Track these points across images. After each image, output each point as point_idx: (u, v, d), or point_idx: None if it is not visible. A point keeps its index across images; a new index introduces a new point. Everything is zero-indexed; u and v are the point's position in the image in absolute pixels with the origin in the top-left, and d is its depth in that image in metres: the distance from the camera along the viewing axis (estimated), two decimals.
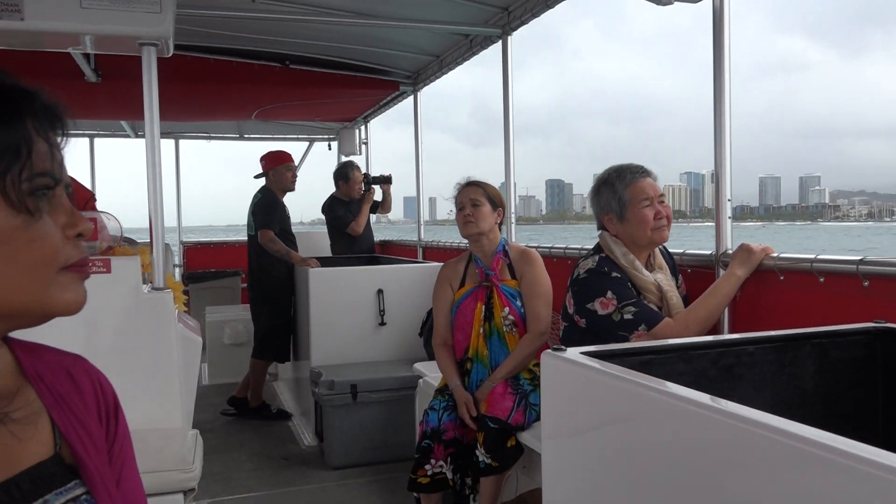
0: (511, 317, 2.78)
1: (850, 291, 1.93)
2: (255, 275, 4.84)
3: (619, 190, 2.28)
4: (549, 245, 3.42)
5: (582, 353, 1.31)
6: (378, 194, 5.56)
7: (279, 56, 4.87)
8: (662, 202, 2.29)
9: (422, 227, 5.54)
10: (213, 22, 4.06)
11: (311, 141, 7.62)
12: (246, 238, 4.97)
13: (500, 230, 2.93)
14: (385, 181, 5.52)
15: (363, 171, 5.61)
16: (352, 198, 5.44)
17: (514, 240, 3.86)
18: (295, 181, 4.92)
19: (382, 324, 4.31)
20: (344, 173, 5.48)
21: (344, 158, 7.02)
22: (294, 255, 4.69)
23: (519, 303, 2.80)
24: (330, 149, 7.53)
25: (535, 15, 3.59)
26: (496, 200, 2.89)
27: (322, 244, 6.19)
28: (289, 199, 4.98)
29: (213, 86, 4.88)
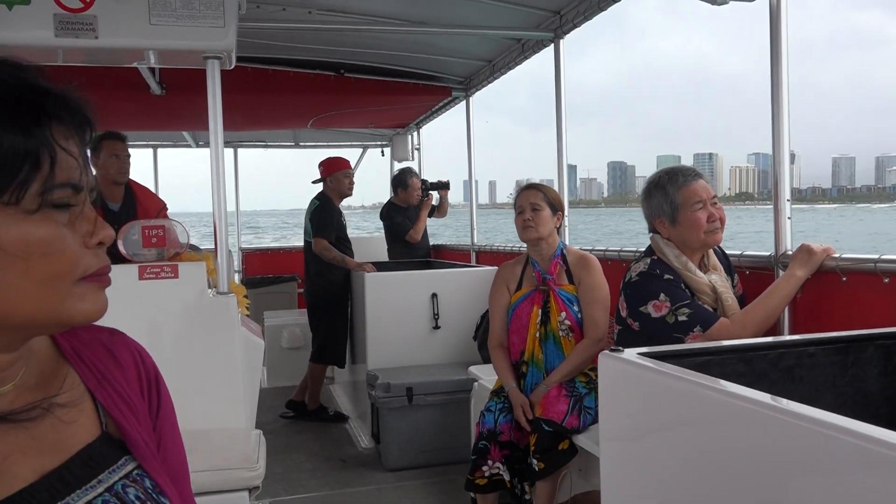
0: (568, 322, 2.78)
1: None
2: (312, 280, 4.94)
3: (671, 193, 2.27)
4: (604, 248, 3.41)
5: (639, 353, 1.32)
6: (435, 198, 5.65)
7: (334, 65, 4.98)
8: (715, 204, 2.27)
9: (475, 232, 5.56)
10: (271, 34, 4.18)
11: (365, 147, 7.75)
12: (302, 244, 5.09)
13: (558, 234, 2.94)
14: (443, 187, 5.60)
15: (421, 177, 5.69)
16: (410, 204, 5.53)
17: (568, 238, 3.86)
18: (352, 188, 5.01)
19: (437, 327, 4.36)
20: (402, 180, 5.56)
21: (397, 164, 7.13)
22: (349, 261, 4.77)
23: (576, 308, 2.80)
24: (383, 155, 7.65)
25: (588, 18, 3.59)
26: (556, 204, 2.89)
27: (378, 249, 6.29)
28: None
29: (270, 96, 5.02)
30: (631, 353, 1.31)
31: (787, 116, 2.29)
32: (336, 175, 4.92)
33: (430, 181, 5.57)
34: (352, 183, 4.99)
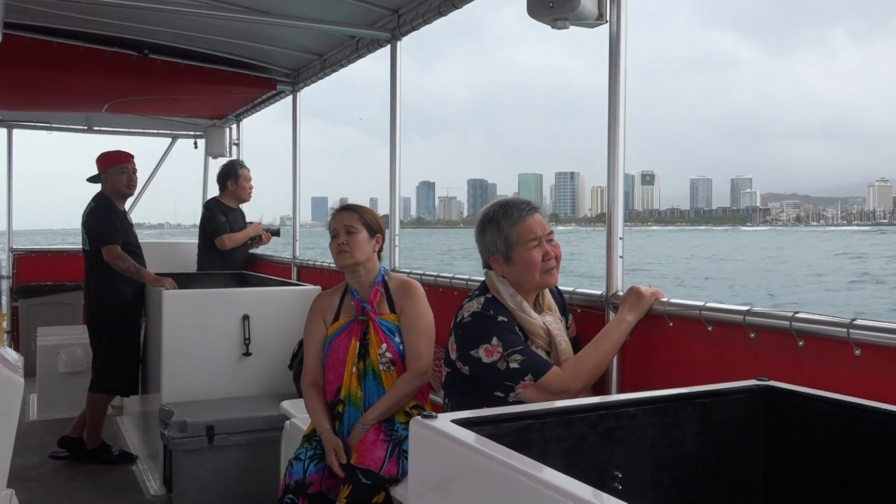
0: (389, 354, 2.77)
1: (736, 342, 2.05)
2: (93, 296, 4.61)
3: (505, 229, 2.31)
4: (435, 273, 3.45)
5: (454, 420, 1.32)
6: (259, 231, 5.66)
7: (136, 43, 4.69)
8: (551, 240, 2.35)
9: (297, 244, 5.44)
10: (57, 2, 3.84)
11: (175, 137, 7.41)
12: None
13: (379, 258, 2.92)
14: (274, 233, 5.77)
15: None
16: (242, 200, 5.51)
17: (397, 262, 3.86)
18: (132, 185, 4.73)
19: (247, 354, 4.20)
20: (233, 172, 5.47)
21: (212, 160, 6.88)
22: (146, 274, 4.49)
23: (398, 339, 2.80)
24: (196, 147, 7.35)
25: (427, 21, 3.64)
26: (374, 226, 2.88)
27: (184, 257, 6.01)
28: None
29: (54, 72, 4.64)
30: (444, 421, 1.31)
31: (622, 156, 2.43)
32: (110, 171, 4.62)
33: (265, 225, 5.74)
34: (131, 180, 4.69)
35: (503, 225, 2.32)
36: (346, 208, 2.90)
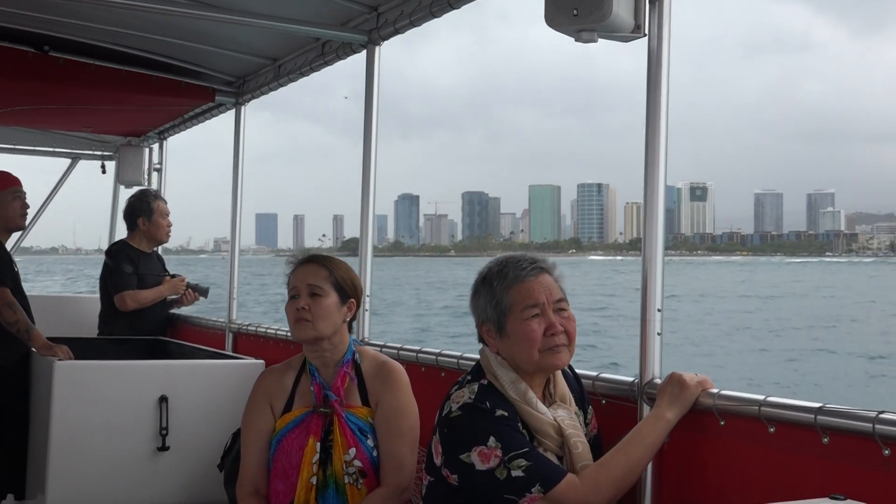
0: (358, 462, 2.79)
1: (805, 448, 2.11)
2: None
3: (499, 292, 2.37)
4: (417, 348, 3.49)
5: None
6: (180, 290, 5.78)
7: (34, 37, 4.79)
8: (562, 310, 2.39)
9: (234, 303, 5.49)
10: None
11: (75, 158, 7.48)
12: None
13: (349, 330, 2.95)
14: (201, 293, 5.86)
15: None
16: (158, 241, 5.66)
17: (367, 332, 3.89)
18: (25, 216, 4.87)
19: (164, 448, 4.22)
20: (144, 206, 5.57)
21: (124, 189, 6.95)
22: (36, 336, 4.52)
23: (371, 442, 2.81)
24: (104, 172, 7.43)
25: (415, 23, 3.75)
26: (347, 288, 2.90)
27: (83, 314, 6.04)
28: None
29: None
30: None
31: (662, 186, 2.52)
32: (1, 195, 4.74)
33: (190, 281, 5.82)
34: (24, 207, 4.85)
35: (496, 287, 2.38)
36: (313, 260, 2.92)
